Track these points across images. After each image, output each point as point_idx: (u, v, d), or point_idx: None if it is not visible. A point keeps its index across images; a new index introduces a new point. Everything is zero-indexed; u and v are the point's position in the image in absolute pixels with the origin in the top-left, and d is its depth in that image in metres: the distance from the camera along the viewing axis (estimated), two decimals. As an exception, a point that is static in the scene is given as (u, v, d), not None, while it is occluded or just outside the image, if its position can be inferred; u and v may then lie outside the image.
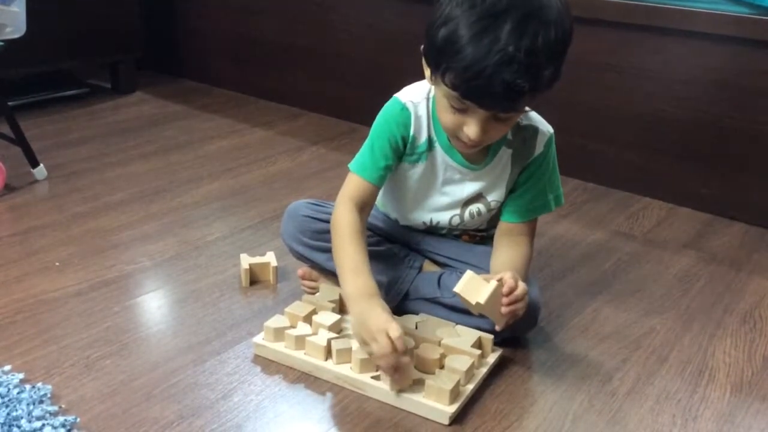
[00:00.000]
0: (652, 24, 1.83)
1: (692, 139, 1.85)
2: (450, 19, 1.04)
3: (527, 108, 1.16)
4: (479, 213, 1.29)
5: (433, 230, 1.35)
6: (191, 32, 2.88)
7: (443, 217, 1.30)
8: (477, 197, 1.28)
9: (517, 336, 1.27)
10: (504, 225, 1.28)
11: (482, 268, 1.19)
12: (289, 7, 2.53)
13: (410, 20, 2.04)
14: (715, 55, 1.77)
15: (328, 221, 1.26)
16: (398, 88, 1.27)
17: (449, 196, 1.28)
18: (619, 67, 1.91)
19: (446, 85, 1.07)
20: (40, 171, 1.91)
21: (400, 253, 1.33)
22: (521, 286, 1.10)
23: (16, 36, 1.81)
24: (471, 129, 1.10)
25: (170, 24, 2.93)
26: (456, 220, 1.30)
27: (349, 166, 1.26)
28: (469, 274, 1.10)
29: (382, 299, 1.14)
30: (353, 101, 2.45)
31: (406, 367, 1.10)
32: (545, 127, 1.26)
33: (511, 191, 1.28)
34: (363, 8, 2.34)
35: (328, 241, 1.24)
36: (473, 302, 1.08)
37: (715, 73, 1.78)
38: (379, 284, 1.29)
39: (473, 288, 1.08)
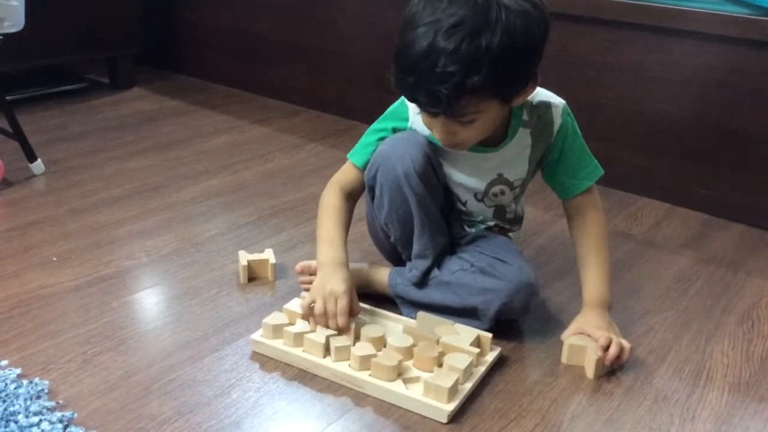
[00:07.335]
0: (651, 24, 1.82)
1: (691, 140, 1.85)
2: (404, 31, 1.07)
3: (483, 109, 1.11)
4: (502, 192, 1.31)
5: (468, 215, 1.34)
6: (190, 28, 2.88)
7: (479, 186, 1.30)
8: (498, 178, 1.29)
9: (511, 319, 1.29)
10: (568, 204, 1.32)
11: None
12: (288, 3, 2.53)
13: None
14: (714, 56, 1.77)
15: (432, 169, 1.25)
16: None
17: (471, 176, 1.29)
18: (618, 66, 1.91)
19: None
20: (38, 166, 1.91)
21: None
22: (614, 347, 1.18)
23: (14, 30, 1.80)
24: (436, 131, 1.17)
25: (169, 19, 2.93)
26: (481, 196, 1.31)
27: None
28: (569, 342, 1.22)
29: (348, 271, 1.22)
30: (352, 98, 2.44)
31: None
32: (557, 100, 1.27)
33: (542, 170, 1.31)
34: (362, 5, 2.34)
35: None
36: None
37: (714, 74, 1.78)
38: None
39: (575, 355, 1.22)
